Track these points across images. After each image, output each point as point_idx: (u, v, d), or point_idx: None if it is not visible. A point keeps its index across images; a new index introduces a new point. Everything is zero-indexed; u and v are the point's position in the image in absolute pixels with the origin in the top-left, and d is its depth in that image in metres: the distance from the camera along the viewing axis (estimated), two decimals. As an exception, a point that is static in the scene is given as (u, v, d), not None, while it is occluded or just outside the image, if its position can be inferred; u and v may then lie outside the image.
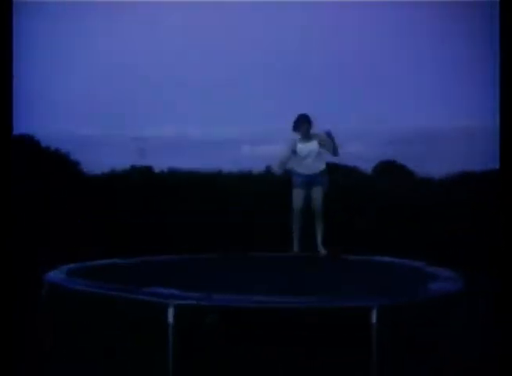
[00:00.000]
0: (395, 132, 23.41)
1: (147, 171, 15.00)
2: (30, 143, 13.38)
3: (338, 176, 12.84)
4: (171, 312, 5.64)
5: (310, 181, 8.69)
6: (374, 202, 12.31)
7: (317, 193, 8.69)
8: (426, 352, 6.44)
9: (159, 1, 20.12)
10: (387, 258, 9.05)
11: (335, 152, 8.71)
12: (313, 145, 8.71)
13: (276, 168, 8.92)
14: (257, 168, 15.35)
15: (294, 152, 8.71)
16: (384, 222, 11.73)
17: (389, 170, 18.36)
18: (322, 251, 8.61)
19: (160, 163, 15.31)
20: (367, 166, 18.75)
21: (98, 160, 15.26)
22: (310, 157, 8.68)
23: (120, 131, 22.09)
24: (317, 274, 8.08)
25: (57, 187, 11.83)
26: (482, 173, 15.28)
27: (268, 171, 15.05)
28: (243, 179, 13.99)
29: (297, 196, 8.70)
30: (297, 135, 8.83)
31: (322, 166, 8.77)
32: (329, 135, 8.67)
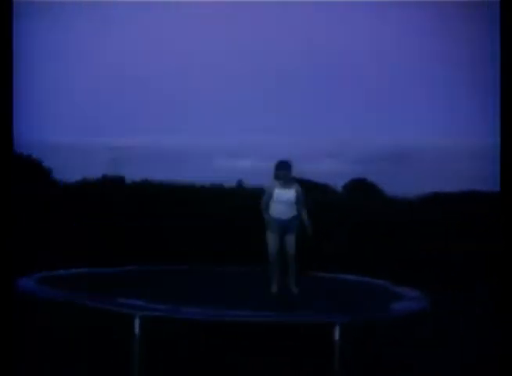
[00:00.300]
0: (368, 151, 23.64)
1: (119, 181, 14.98)
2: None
3: (311, 193, 12.93)
4: (137, 322, 5.70)
5: (284, 225, 8.82)
6: (344, 220, 12.40)
7: (290, 239, 8.81)
8: (389, 370, 6.51)
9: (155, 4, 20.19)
10: (353, 277, 9.16)
11: (304, 207, 8.85)
12: (291, 193, 8.81)
13: (262, 209, 8.99)
14: (230, 181, 15.42)
15: (271, 195, 8.79)
16: (353, 240, 11.82)
17: (360, 188, 18.46)
18: (295, 290, 8.68)
19: (133, 173, 15.31)
20: (339, 184, 18.87)
21: (70, 169, 15.27)
22: (286, 204, 8.79)
23: (94, 140, 22.12)
24: (283, 290, 8.16)
25: (28, 194, 11.80)
26: (453, 193, 15.48)
27: (240, 184, 15.15)
28: (216, 192, 14.04)
29: (272, 240, 8.82)
30: (274, 182, 8.88)
31: (295, 212, 8.86)
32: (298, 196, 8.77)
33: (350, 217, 12.59)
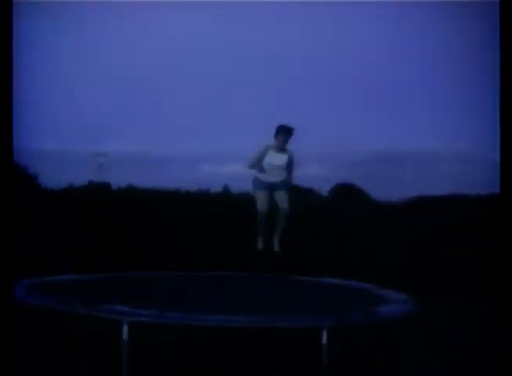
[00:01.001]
0: (355, 155, 23.66)
1: (105, 187, 14.97)
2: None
3: (296, 197, 12.96)
4: (125, 329, 5.68)
5: (273, 186, 8.67)
6: (329, 224, 12.44)
7: (282, 195, 8.63)
8: (378, 374, 6.52)
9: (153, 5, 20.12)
10: (338, 280, 9.16)
11: (290, 179, 8.77)
12: (283, 159, 8.67)
13: (247, 166, 8.81)
14: (217, 187, 15.42)
15: (263, 156, 8.65)
16: (338, 244, 11.85)
17: (346, 192, 18.53)
18: (278, 249, 8.58)
19: (119, 179, 15.30)
20: (325, 188, 18.92)
21: (57, 175, 15.22)
22: (276, 169, 8.66)
23: (80, 146, 22.01)
24: (269, 294, 8.16)
25: (13, 201, 11.76)
26: (438, 197, 15.56)
27: (227, 190, 15.16)
28: (202, 198, 14.05)
29: (262, 198, 8.58)
30: (272, 142, 8.75)
31: (284, 177, 8.73)
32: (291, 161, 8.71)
33: (335, 221, 12.62)
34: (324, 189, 18.97)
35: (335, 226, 12.45)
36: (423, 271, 11.06)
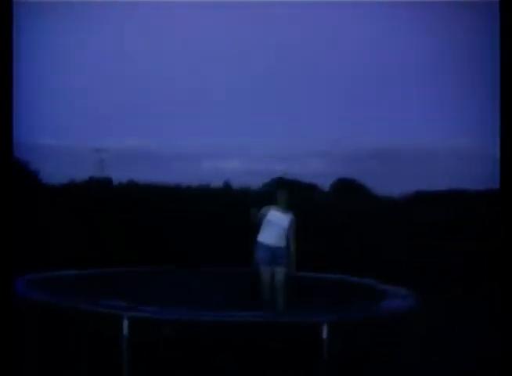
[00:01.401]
0: (356, 150, 23.65)
1: (106, 182, 14.97)
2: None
3: (297, 193, 12.97)
4: (125, 324, 5.69)
5: (274, 257, 8.66)
6: (330, 220, 12.44)
7: (280, 274, 8.63)
8: (378, 369, 6.53)
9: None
10: (338, 275, 9.18)
11: (293, 236, 8.74)
12: (285, 218, 8.72)
13: (250, 221, 8.84)
14: (217, 182, 15.40)
15: (265, 215, 8.68)
16: (340, 239, 11.86)
17: (347, 188, 18.53)
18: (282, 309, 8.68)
19: (120, 175, 15.29)
20: (326, 183, 18.90)
21: (57, 171, 15.23)
22: (278, 228, 8.70)
23: (81, 141, 22.01)
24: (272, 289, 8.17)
25: (15, 196, 11.76)
26: (438, 193, 15.55)
27: (227, 186, 15.15)
28: (202, 194, 14.04)
29: (265, 273, 8.72)
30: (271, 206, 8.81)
31: (284, 242, 8.75)
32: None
33: (336, 216, 12.62)
34: (325, 184, 18.96)
35: (336, 221, 12.45)
36: (423, 266, 11.08)
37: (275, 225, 8.68)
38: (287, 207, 8.76)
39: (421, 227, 12.37)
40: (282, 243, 8.69)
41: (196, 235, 11.84)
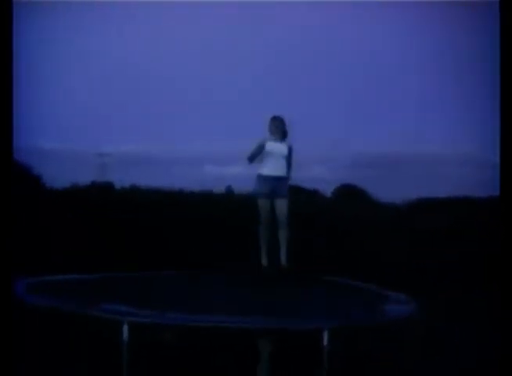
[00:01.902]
0: (358, 157, 23.66)
1: (108, 187, 14.97)
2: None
3: (299, 199, 12.96)
4: (125, 329, 5.69)
5: (274, 188, 8.48)
6: (332, 226, 12.43)
7: (282, 205, 8.44)
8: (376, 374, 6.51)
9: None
10: (340, 281, 9.16)
11: (290, 168, 8.61)
12: (284, 146, 8.58)
13: (247, 159, 8.64)
14: (219, 187, 15.39)
15: (263, 147, 8.52)
16: (340, 246, 11.84)
17: (350, 194, 18.53)
18: (285, 265, 8.43)
19: (122, 180, 15.29)
20: (328, 190, 18.92)
21: (60, 175, 15.23)
22: (278, 157, 8.56)
23: (84, 146, 22.03)
24: (272, 293, 8.16)
25: (17, 201, 11.77)
26: (440, 199, 15.54)
27: (230, 190, 15.14)
28: (205, 199, 14.04)
29: (264, 207, 8.38)
30: (269, 136, 8.64)
31: (285, 171, 8.58)
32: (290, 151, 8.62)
33: (338, 222, 12.60)
34: (327, 190, 18.97)
35: (338, 228, 12.43)
36: (424, 273, 11.05)
37: (275, 155, 8.50)
38: (283, 137, 8.64)
39: (423, 234, 12.35)
40: (283, 172, 8.54)
41: (198, 240, 11.83)
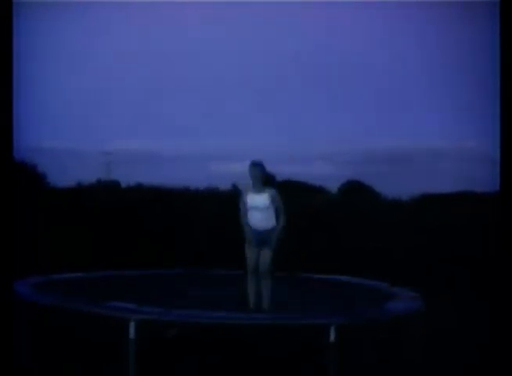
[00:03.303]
0: (363, 153, 23.61)
1: (114, 185, 14.97)
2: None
3: (304, 196, 12.97)
4: (132, 326, 5.69)
5: (261, 239, 8.16)
6: (338, 222, 12.42)
7: (264, 255, 8.11)
8: (386, 372, 6.51)
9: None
10: (346, 278, 9.16)
11: (282, 213, 8.23)
12: (265, 197, 8.12)
13: (242, 219, 8.45)
14: (225, 185, 15.36)
15: (245, 203, 8.26)
16: (346, 242, 11.84)
17: (354, 190, 18.47)
18: (267, 308, 8.27)
19: (128, 178, 15.26)
20: (334, 186, 18.84)
21: (65, 174, 15.24)
22: (261, 210, 8.14)
23: (89, 144, 22.02)
24: (278, 292, 8.17)
25: (23, 199, 11.79)
26: (445, 195, 15.49)
27: (235, 188, 15.11)
28: (210, 196, 14.03)
29: (251, 254, 8.18)
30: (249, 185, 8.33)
31: (273, 221, 8.19)
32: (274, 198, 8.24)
33: (344, 218, 12.59)
34: (332, 186, 18.91)
35: (343, 224, 12.43)
36: (430, 268, 11.05)
37: (256, 209, 8.20)
38: (262, 184, 8.20)
39: (428, 230, 12.34)
40: (269, 224, 8.18)
41: (204, 237, 11.84)
